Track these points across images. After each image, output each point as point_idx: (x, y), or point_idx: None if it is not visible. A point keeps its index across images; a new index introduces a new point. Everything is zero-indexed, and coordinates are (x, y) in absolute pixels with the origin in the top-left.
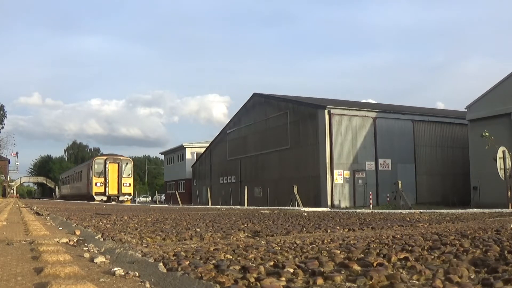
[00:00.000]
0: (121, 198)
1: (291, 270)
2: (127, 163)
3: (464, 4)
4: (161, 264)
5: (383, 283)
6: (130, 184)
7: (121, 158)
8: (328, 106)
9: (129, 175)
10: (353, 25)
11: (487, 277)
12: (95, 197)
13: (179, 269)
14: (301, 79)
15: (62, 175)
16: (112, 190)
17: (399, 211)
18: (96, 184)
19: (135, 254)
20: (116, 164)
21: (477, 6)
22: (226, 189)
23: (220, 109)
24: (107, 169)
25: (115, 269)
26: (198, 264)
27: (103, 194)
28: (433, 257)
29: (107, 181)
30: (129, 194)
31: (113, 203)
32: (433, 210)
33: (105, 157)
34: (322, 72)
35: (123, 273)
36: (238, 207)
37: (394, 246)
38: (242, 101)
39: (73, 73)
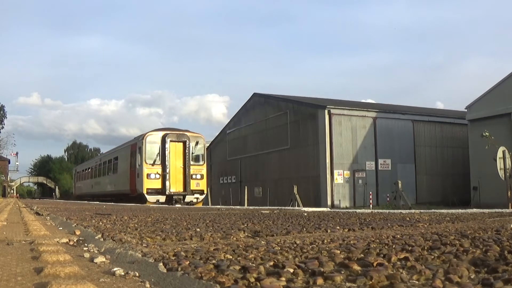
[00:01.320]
0: (188, 198)
1: (291, 270)
2: (197, 142)
3: (464, 4)
4: (161, 264)
5: (383, 283)
6: (202, 176)
7: (188, 134)
8: (328, 106)
9: (200, 160)
10: (353, 25)
11: (487, 277)
12: (147, 196)
13: (179, 269)
14: (301, 79)
15: (78, 167)
16: (176, 185)
17: (399, 211)
18: (148, 176)
19: (135, 254)
20: (181, 144)
21: (477, 6)
22: (226, 189)
23: (219, 109)
24: (167, 152)
25: (115, 269)
26: (198, 264)
27: (161, 192)
28: (433, 257)
29: (167, 171)
30: (201, 192)
31: (178, 206)
32: (433, 210)
33: (162, 132)
34: (322, 72)
35: (123, 273)
36: (238, 207)
37: (394, 246)
38: (242, 101)
39: (72, 73)
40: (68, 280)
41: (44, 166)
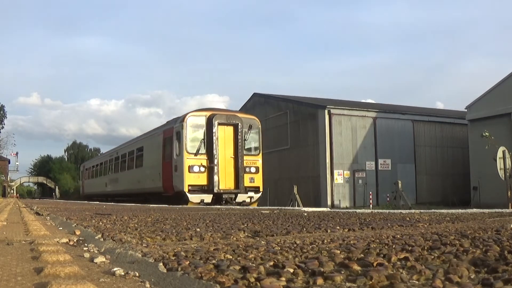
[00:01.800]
0: (241, 197)
1: (291, 270)
2: (250, 126)
3: (464, 4)
4: (161, 264)
5: (383, 283)
6: (258, 170)
7: (240, 115)
8: (328, 106)
9: (254, 148)
10: (353, 25)
11: (487, 277)
12: (189, 195)
13: (179, 269)
14: (301, 79)
15: (87, 163)
16: (226, 181)
17: (399, 211)
18: (191, 168)
19: (135, 254)
20: (231, 128)
21: (477, 6)
22: None
23: None
24: (214, 138)
25: (115, 269)
26: (198, 264)
27: (206, 190)
28: (433, 257)
29: (216, 162)
30: (256, 190)
31: (225, 207)
32: (433, 210)
33: (208, 113)
34: (322, 72)
35: (123, 273)
36: (238, 207)
37: (394, 246)
38: (242, 101)
39: (72, 73)
40: (68, 280)
41: (44, 166)
